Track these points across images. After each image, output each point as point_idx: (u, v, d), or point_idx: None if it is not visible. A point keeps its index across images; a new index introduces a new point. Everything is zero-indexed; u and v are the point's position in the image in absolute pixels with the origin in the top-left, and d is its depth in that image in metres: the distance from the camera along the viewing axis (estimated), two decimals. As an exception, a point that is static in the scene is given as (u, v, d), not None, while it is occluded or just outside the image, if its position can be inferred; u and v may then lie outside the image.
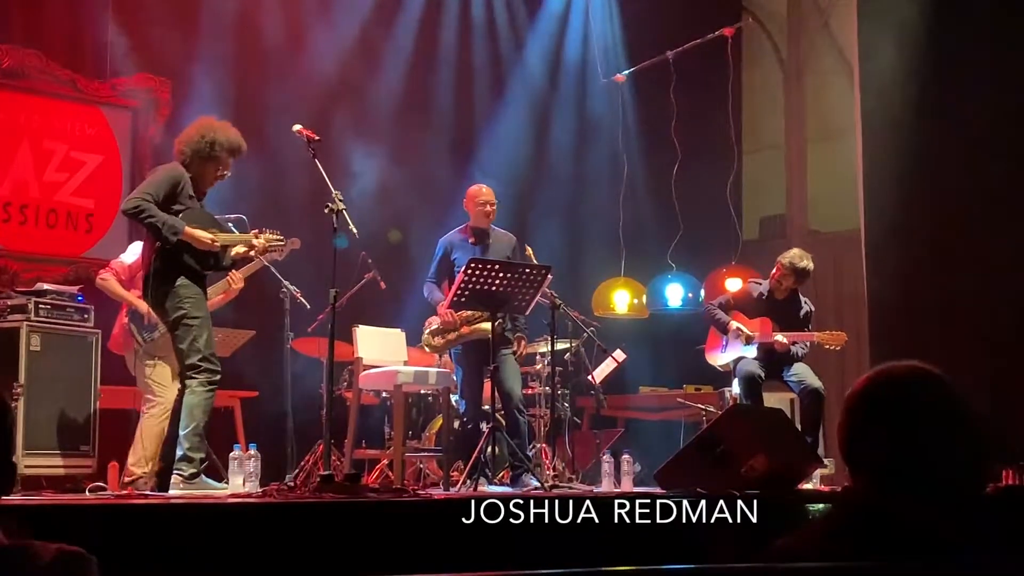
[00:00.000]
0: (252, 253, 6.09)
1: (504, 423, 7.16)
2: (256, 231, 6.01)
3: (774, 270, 7.59)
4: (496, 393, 6.92)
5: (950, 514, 1.93)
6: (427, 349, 7.23)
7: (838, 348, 7.50)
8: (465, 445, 7.03)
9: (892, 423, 1.97)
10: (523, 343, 7.46)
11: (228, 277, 6.69)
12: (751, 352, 7.48)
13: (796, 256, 7.51)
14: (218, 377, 5.68)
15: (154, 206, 5.53)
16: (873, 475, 1.99)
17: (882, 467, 1.97)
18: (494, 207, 7.25)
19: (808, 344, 7.51)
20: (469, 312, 6.76)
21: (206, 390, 5.59)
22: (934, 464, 1.94)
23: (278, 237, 6.05)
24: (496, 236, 7.31)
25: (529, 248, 7.22)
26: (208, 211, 5.89)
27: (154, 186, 5.60)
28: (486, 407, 6.96)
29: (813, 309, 7.75)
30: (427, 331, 7.08)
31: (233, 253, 5.94)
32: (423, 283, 7.43)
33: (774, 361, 7.48)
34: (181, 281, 5.63)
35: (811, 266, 7.52)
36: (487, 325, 6.73)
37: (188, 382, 5.59)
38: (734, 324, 7.58)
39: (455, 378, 7.24)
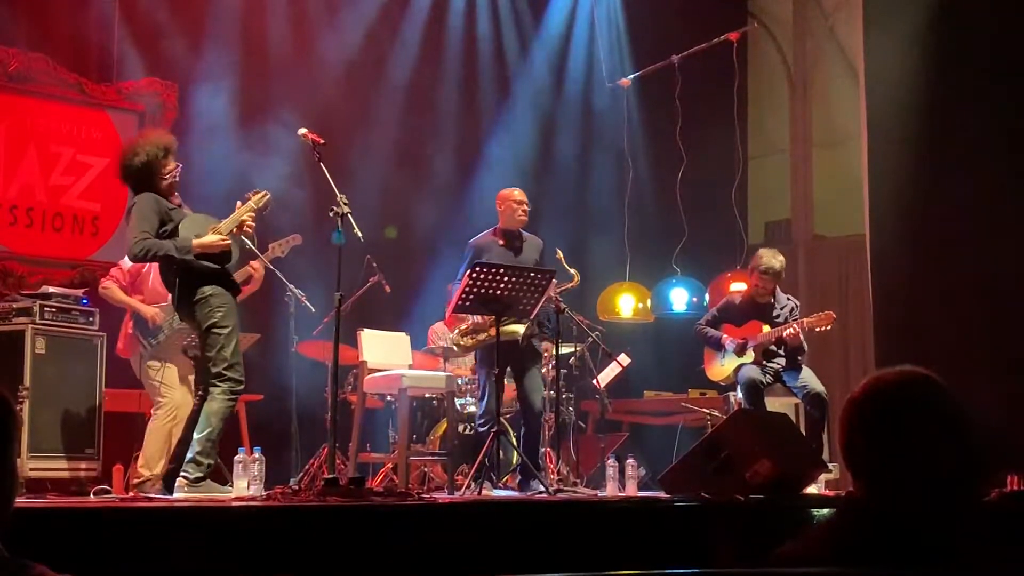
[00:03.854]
0: (259, 254, 6.10)
1: (510, 426, 7.20)
2: (240, 202, 5.96)
3: (749, 275, 7.69)
4: (519, 398, 7.10)
5: (950, 518, 1.93)
6: (456, 348, 7.28)
7: (829, 328, 7.49)
8: (478, 447, 7.07)
9: (888, 429, 1.98)
10: (549, 349, 7.50)
11: (248, 265, 6.68)
12: (750, 357, 7.49)
13: (767, 256, 7.60)
14: (241, 387, 5.70)
15: (155, 240, 5.58)
16: (873, 481, 1.99)
17: (881, 473, 1.98)
18: (527, 210, 7.24)
19: (803, 340, 7.48)
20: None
21: (227, 398, 5.61)
22: (930, 469, 1.95)
23: (260, 193, 5.98)
24: (527, 239, 7.30)
25: (560, 252, 7.19)
26: (193, 212, 5.88)
27: (146, 222, 5.61)
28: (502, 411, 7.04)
29: (797, 304, 7.80)
30: (457, 331, 7.13)
31: (241, 221, 5.85)
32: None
33: (772, 360, 7.48)
34: (211, 290, 5.65)
35: (783, 261, 7.63)
36: (515, 327, 6.83)
37: (211, 389, 5.61)
38: (725, 338, 7.62)
39: (480, 383, 7.23)
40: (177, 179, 5.82)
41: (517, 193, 7.28)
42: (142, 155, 5.70)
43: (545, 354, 7.51)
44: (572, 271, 7.13)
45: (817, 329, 7.42)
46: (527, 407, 7.09)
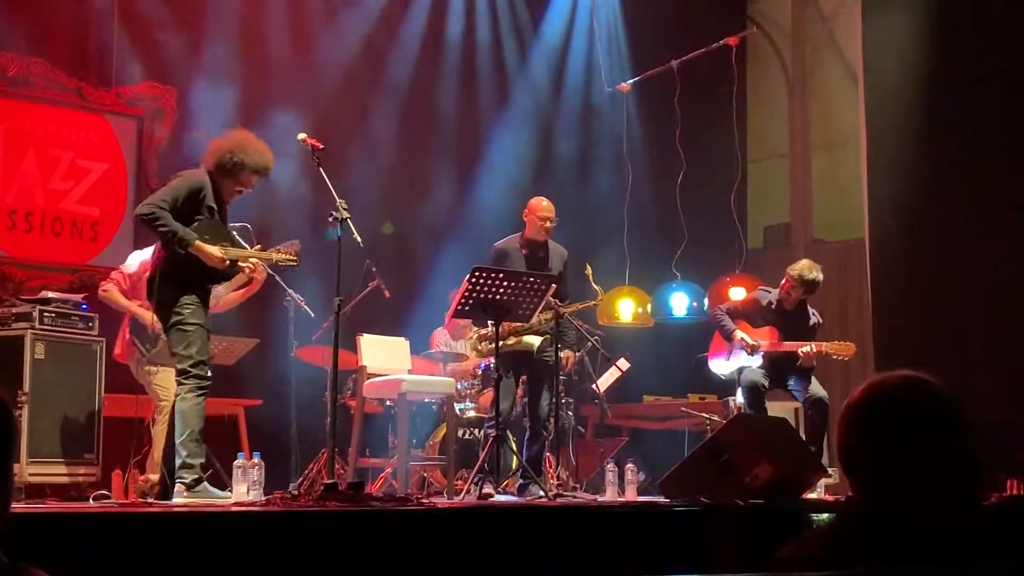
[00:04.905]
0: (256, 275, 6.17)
1: (509, 431, 7.23)
2: (276, 248, 6.07)
3: (783, 281, 7.54)
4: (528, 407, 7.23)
5: (949, 523, 1.93)
6: (473, 354, 7.33)
7: (846, 359, 7.47)
8: (477, 451, 7.12)
9: (887, 433, 1.97)
10: (571, 358, 7.53)
11: (248, 269, 6.66)
12: (756, 361, 7.47)
13: (806, 268, 7.47)
14: (207, 383, 5.68)
15: (168, 214, 5.55)
16: (871, 485, 1.99)
17: (879, 477, 1.97)
18: (553, 224, 7.20)
19: (814, 360, 7.46)
20: (518, 324, 6.77)
21: (196, 395, 5.61)
22: (929, 473, 1.94)
23: (290, 257, 6.05)
24: (551, 249, 7.28)
25: (589, 267, 7.14)
26: (225, 225, 5.89)
27: (172, 193, 5.62)
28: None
29: (821, 321, 7.72)
30: (475, 336, 7.17)
31: (243, 266, 5.93)
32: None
33: (779, 370, 7.46)
34: (184, 289, 5.65)
35: (820, 277, 7.49)
36: (531, 338, 6.90)
37: (179, 388, 5.64)
38: (738, 334, 7.55)
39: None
40: (241, 195, 5.90)
41: (544, 207, 7.20)
42: (245, 158, 5.74)
43: (565, 364, 7.51)
44: (597, 289, 7.12)
45: (835, 356, 7.37)
46: (534, 414, 7.15)
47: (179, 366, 5.63)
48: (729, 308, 7.80)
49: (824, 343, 7.40)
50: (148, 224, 5.64)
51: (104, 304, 6.94)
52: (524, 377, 7.24)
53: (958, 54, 8.10)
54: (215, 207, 5.76)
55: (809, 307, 7.65)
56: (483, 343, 7.12)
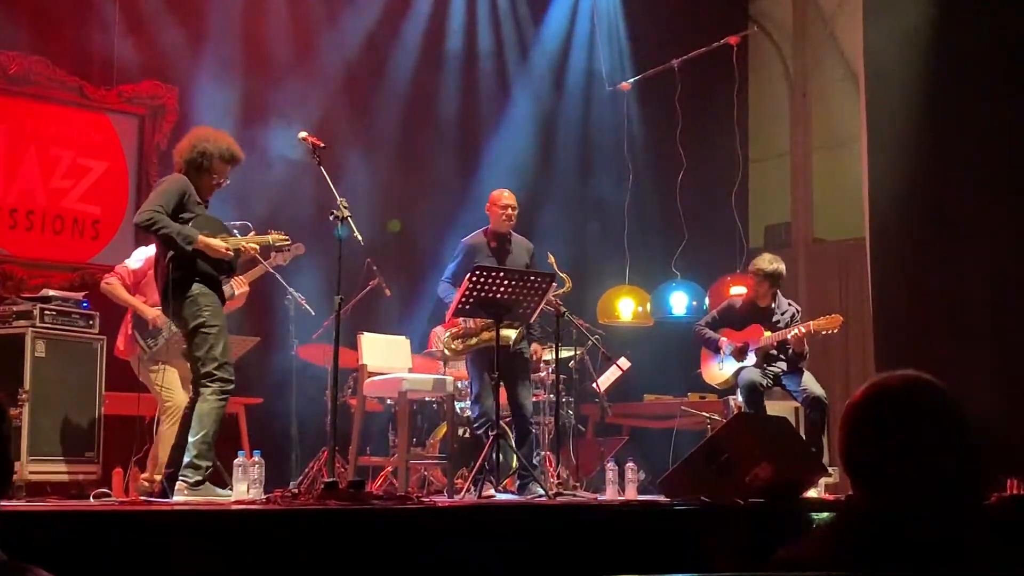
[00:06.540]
0: (262, 260, 6.16)
1: (510, 431, 7.20)
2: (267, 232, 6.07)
3: (749, 279, 7.71)
4: (509, 403, 7.09)
5: (949, 523, 1.93)
6: (447, 352, 7.28)
7: (835, 331, 7.48)
8: (473, 450, 7.07)
9: (889, 433, 1.98)
10: (540, 352, 7.51)
11: (232, 283, 6.68)
12: (751, 360, 7.50)
13: (765, 261, 7.63)
14: (231, 387, 5.70)
15: (166, 217, 5.58)
16: (872, 485, 1.99)
17: (880, 477, 1.98)
18: (514, 212, 7.22)
19: (806, 345, 7.48)
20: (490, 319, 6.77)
21: (218, 399, 5.61)
22: (931, 474, 1.95)
23: (284, 237, 6.08)
24: (516, 242, 7.30)
25: (551, 256, 7.16)
26: (215, 216, 5.91)
27: (164, 197, 5.63)
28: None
29: (799, 309, 7.80)
30: (447, 334, 7.12)
31: (244, 249, 5.95)
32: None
33: (774, 365, 7.48)
34: (199, 289, 5.66)
35: (782, 267, 7.66)
36: (507, 332, 6.81)
37: (202, 390, 5.61)
38: (724, 341, 7.63)
39: (471, 385, 7.23)
40: (220, 188, 5.89)
41: (505, 197, 7.24)
42: (208, 147, 5.75)
43: (534, 357, 7.50)
44: (563, 276, 7.11)
45: (824, 332, 7.41)
46: (516, 411, 7.10)
47: (203, 369, 5.61)
48: (708, 321, 7.89)
49: (811, 322, 7.42)
50: (148, 230, 5.67)
51: (105, 302, 6.94)
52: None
53: (960, 53, 8.09)
54: (199, 203, 5.79)
55: (783, 298, 7.74)
56: (455, 341, 7.06)
